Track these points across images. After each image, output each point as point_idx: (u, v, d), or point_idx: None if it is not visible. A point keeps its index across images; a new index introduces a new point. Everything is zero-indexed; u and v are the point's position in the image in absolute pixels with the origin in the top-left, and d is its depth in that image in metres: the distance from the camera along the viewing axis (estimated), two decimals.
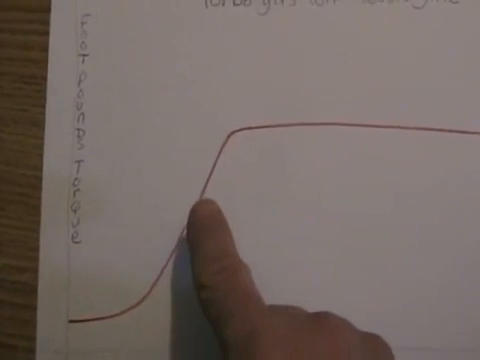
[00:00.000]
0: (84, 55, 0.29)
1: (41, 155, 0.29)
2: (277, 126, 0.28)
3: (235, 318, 0.21)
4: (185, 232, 0.27)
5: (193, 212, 0.25)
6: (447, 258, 0.27)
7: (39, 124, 0.29)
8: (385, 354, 0.21)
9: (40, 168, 0.29)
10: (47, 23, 0.29)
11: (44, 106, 0.29)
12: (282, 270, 0.27)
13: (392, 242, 0.27)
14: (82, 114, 0.29)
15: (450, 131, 0.28)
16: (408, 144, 0.28)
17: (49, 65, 0.29)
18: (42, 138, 0.29)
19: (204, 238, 0.24)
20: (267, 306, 0.22)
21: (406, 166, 0.28)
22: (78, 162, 0.29)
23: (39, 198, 0.29)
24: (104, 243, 0.28)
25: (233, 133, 0.28)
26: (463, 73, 0.28)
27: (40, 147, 0.29)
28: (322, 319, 0.21)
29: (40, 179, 0.29)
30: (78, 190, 0.29)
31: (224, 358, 0.20)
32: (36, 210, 0.29)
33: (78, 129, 0.29)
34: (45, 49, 0.29)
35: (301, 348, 0.19)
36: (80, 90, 0.29)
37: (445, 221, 0.27)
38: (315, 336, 0.20)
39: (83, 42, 0.29)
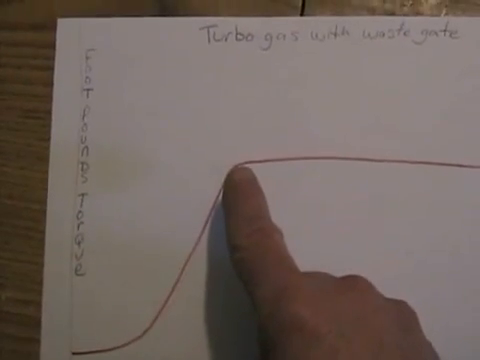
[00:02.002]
0: (88, 89, 0.30)
1: (45, 189, 0.29)
2: (279, 160, 0.28)
3: (267, 276, 0.22)
4: (190, 264, 0.28)
5: (230, 177, 0.26)
6: (446, 288, 0.27)
7: (43, 158, 0.29)
8: (410, 318, 0.22)
9: (44, 201, 0.29)
10: (52, 58, 0.29)
11: (48, 140, 0.29)
12: None
13: (389, 273, 0.27)
14: (86, 148, 0.29)
15: (449, 165, 0.28)
16: (407, 178, 0.28)
17: (54, 99, 0.29)
18: (46, 172, 0.29)
19: (240, 201, 0.25)
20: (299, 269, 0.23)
21: (405, 199, 0.28)
22: (82, 195, 0.29)
23: (43, 231, 0.29)
24: (107, 275, 0.29)
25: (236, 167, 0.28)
26: (462, 108, 0.28)
27: (44, 181, 0.29)
28: (351, 281, 0.21)
29: (44, 212, 0.29)
30: (82, 223, 0.29)
31: (256, 315, 0.21)
32: (40, 243, 0.29)
33: (82, 163, 0.29)
34: (49, 84, 0.29)
35: (329, 307, 0.20)
36: (84, 124, 0.29)
37: (443, 252, 0.28)
38: (343, 297, 0.20)
39: (87, 77, 0.29)
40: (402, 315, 0.21)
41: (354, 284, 0.21)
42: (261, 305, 0.21)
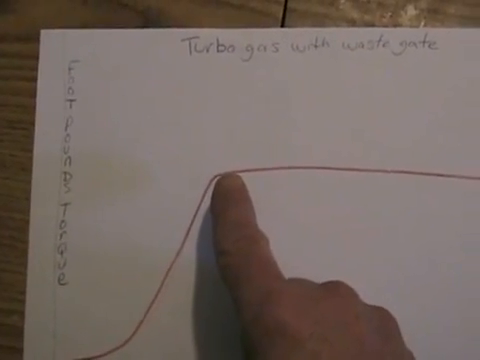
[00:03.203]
0: (71, 100, 0.30)
1: (29, 199, 0.29)
2: (260, 170, 0.29)
3: (252, 282, 0.22)
4: (172, 274, 0.28)
5: (219, 183, 0.26)
6: (430, 297, 0.28)
7: (27, 168, 0.30)
8: (391, 326, 0.22)
9: (27, 211, 0.29)
10: (36, 69, 0.30)
11: (31, 151, 0.30)
12: None
13: (372, 281, 0.28)
14: (69, 158, 0.30)
15: (429, 175, 0.28)
16: (388, 187, 0.28)
17: (37, 110, 0.30)
18: (29, 182, 0.29)
19: (228, 207, 0.25)
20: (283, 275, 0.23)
21: (386, 208, 0.28)
22: (65, 205, 0.29)
23: (27, 241, 0.29)
24: (90, 285, 0.29)
25: (216, 177, 0.29)
26: (441, 118, 0.28)
27: (28, 191, 0.29)
28: (333, 287, 0.22)
29: (28, 222, 0.29)
30: (65, 232, 0.29)
31: (239, 318, 0.21)
32: (24, 253, 0.29)
33: (65, 173, 0.30)
34: (33, 95, 0.30)
35: (312, 312, 0.20)
36: (67, 135, 0.30)
37: (426, 261, 0.28)
38: (326, 302, 0.21)
39: (70, 88, 0.30)
40: (383, 322, 0.22)
41: (336, 290, 0.22)
42: (245, 309, 0.21)
